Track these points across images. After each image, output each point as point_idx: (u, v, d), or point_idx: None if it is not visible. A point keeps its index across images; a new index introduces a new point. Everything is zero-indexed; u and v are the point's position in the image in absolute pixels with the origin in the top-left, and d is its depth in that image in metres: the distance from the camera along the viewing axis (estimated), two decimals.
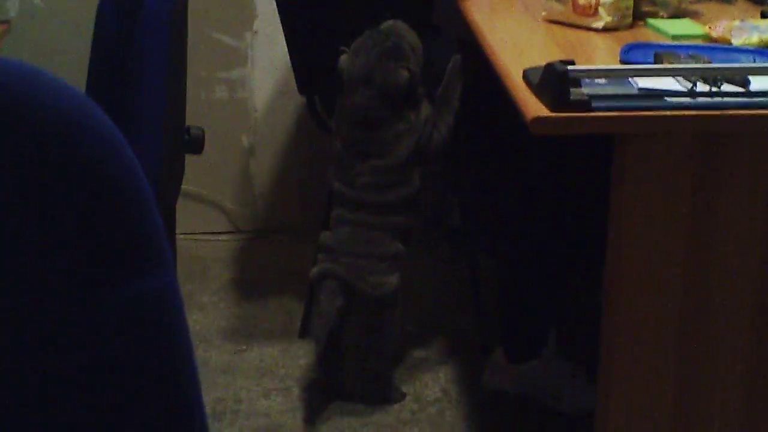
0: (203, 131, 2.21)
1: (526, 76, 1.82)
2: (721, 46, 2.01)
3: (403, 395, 2.48)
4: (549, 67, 1.72)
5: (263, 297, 3.04)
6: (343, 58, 2.39)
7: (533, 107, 1.71)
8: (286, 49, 2.81)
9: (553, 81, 1.70)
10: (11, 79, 0.88)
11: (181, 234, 3.32)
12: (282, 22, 2.75)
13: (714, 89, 1.72)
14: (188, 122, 2.36)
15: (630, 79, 1.78)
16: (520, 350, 2.42)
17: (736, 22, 2.06)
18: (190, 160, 3.17)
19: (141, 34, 1.96)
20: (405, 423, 2.41)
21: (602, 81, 1.79)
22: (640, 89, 1.75)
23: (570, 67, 1.70)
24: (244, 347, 2.76)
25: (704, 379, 1.84)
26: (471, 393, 2.52)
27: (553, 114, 1.68)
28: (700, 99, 1.71)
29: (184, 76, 2.30)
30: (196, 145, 2.24)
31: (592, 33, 2.18)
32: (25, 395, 0.88)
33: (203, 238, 3.42)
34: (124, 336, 0.90)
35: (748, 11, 2.32)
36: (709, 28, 2.09)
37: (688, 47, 1.97)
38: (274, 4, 2.78)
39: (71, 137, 0.89)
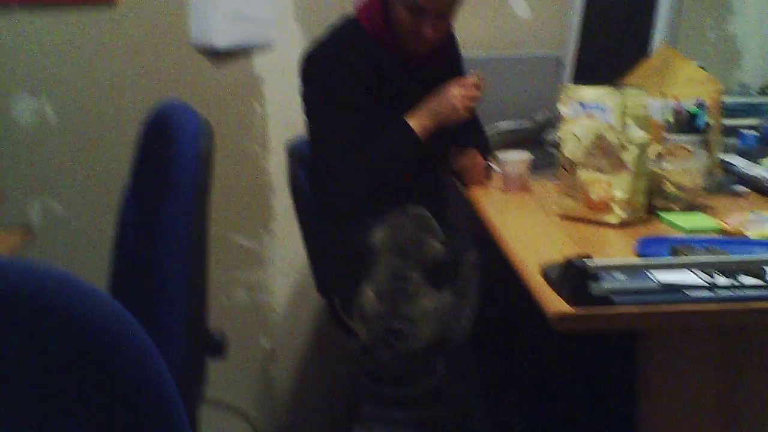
0: (225, 335, 2.22)
1: (546, 272, 1.84)
2: (736, 239, 2.03)
3: None
4: (568, 262, 1.74)
5: None
6: (377, 231, 2.41)
7: (554, 304, 1.72)
8: (304, 250, 2.85)
9: (573, 276, 1.71)
10: (42, 285, 0.89)
11: None
12: (299, 221, 2.78)
13: (734, 282, 1.73)
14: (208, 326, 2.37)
15: (648, 273, 1.80)
16: None
17: (749, 215, 2.09)
18: (209, 365, 3.18)
19: (162, 229, 1.99)
20: None
21: (621, 276, 1.81)
22: (661, 284, 1.76)
23: (588, 262, 1.72)
24: None
25: None
26: None
27: (575, 310, 1.69)
28: (722, 292, 1.72)
29: (207, 274, 2.33)
30: (218, 348, 2.25)
31: (606, 228, 2.21)
32: None
33: None
34: None
35: (758, 204, 2.36)
36: (723, 221, 2.12)
37: (704, 241, 1.99)
38: (291, 204, 2.82)
39: (103, 345, 0.90)
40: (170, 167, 2.07)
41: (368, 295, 2.37)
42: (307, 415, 3.41)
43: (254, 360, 3.41)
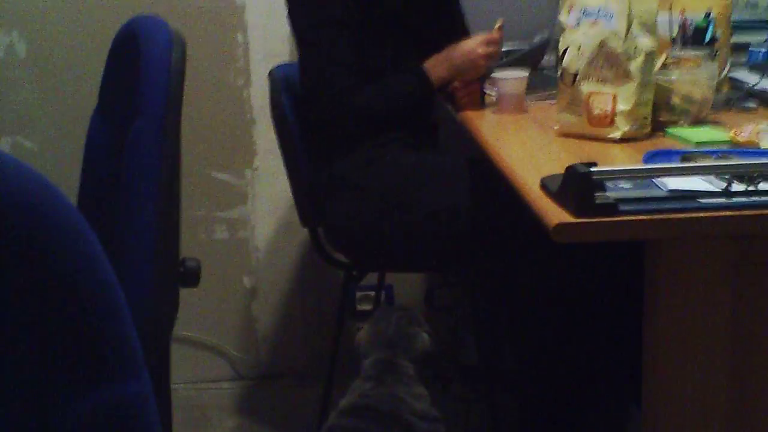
0: (199, 263, 2.08)
1: (544, 184, 1.69)
2: (750, 150, 1.89)
3: None
4: (570, 170, 1.59)
5: None
6: (361, 332, 2.29)
7: (555, 214, 1.57)
8: (287, 186, 2.71)
9: (576, 185, 1.57)
10: None
11: (181, 383, 3.16)
12: (281, 147, 2.65)
13: (751, 188, 1.59)
14: None
15: (657, 181, 1.65)
16: None
17: (763, 125, 1.95)
18: (189, 304, 3.05)
19: (131, 152, 1.85)
20: None
21: (627, 185, 1.66)
22: (670, 191, 1.61)
23: (593, 169, 1.57)
24: None
25: None
26: None
27: (578, 220, 1.55)
28: (737, 199, 1.58)
29: (178, 202, 2.18)
30: (192, 277, 2.10)
31: (609, 144, 2.06)
32: None
33: (204, 386, 3.24)
34: None
35: None
36: (735, 133, 1.97)
37: (716, 151, 1.85)
38: (274, 138, 2.69)
39: (28, 220, 0.76)
40: (139, 82, 1.93)
41: (355, 382, 2.22)
42: (288, 354, 3.29)
43: (235, 298, 3.27)
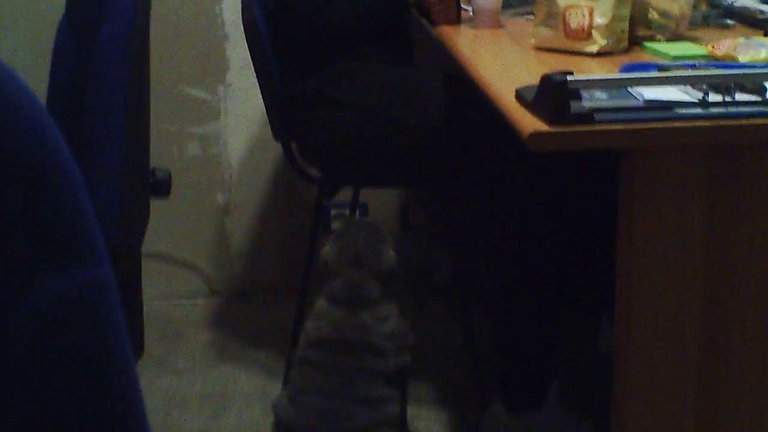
0: (170, 174, 2.06)
1: (520, 94, 1.68)
2: (727, 63, 1.88)
3: None
4: (546, 78, 1.58)
5: (241, 360, 2.85)
6: (327, 247, 2.27)
7: (530, 123, 1.56)
8: (260, 102, 2.68)
9: (551, 93, 1.56)
10: None
11: (156, 299, 3.15)
12: (253, 61, 2.61)
13: (728, 98, 1.58)
14: None
15: (634, 91, 1.64)
16: (519, 400, 2.24)
17: (741, 39, 1.94)
18: (163, 221, 3.04)
19: (98, 59, 1.82)
20: None
21: (604, 96, 1.65)
22: (647, 101, 1.60)
23: (569, 78, 1.56)
24: (222, 411, 2.57)
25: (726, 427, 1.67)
26: None
27: (552, 129, 1.54)
28: (714, 109, 1.57)
29: (147, 112, 2.15)
30: (162, 187, 2.08)
31: (586, 58, 2.05)
32: None
33: (178, 302, 3.24)
34: (42, 342, 0.73)
35: (746, 34, 2.19)
36: (712, 47, 1.96)
37: (693, 64, 1.84)
38: (247, 54, 2.65)
39: None
40: None
41: (321, 304, 2.23)
42: (262, 270, 3.28)
43: (209, 215, 3.25)
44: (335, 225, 3.13)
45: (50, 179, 0.74)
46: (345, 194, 2.97)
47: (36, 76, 2.36)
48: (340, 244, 2.26)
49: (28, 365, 0.73)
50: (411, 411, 2.48)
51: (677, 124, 1.54)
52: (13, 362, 0.72)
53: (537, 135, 1.54)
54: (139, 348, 2.28)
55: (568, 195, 2.26)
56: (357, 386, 2.13)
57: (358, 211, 3.18)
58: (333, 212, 3.21)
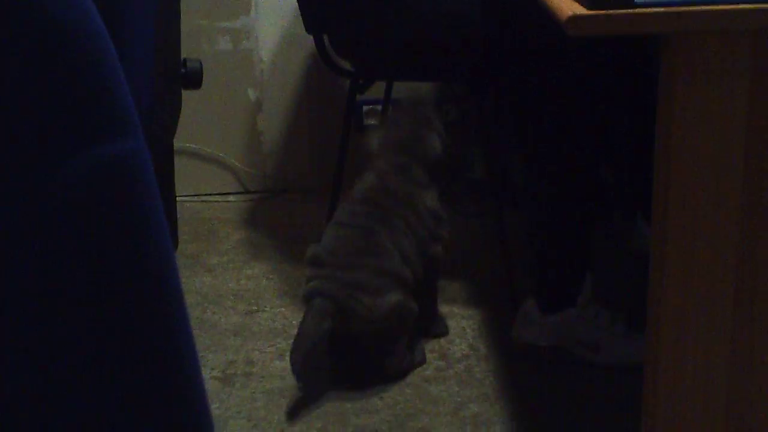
0: (201, 64, 2.02)
1: None
2: None
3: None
4: None
5: (274, 258, 2.85)
6: (375, 132, 2.29)
7: (568, 7, 1.51)
8: None
9: None
10: None
11: (187, 196, 3.15)
12: None
13: None
14: None
15: None
16: (552, 299, 2.21)
17: None
18: (194, 118, 3.01)
19: None
20: (430, 381, 2.22)
21: None
22: None
23: None
24: (255, 308, 2.57)
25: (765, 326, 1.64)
26: (500, 348, 2.32)
27: (591, 12, 1.48)
28: None
29: (177, 3, 2.11)
30: (194, 78, 2.05)
31: None
32: None
33: (210, 199, 3.24)
34: (80, 211, 0.72)
35: None
36: None
37: None
38: None
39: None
40: None
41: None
42: (295, 168, 3.26)
43: (240, 112, 3.23)
44: (368, 122, 3.10)
45: (89, 48, 0.72)
46: (378, 91, 2.93)
47: None
48: (388, 134, 2.25)
49: (68, 234, 0.72)
50: (443, 308, 2.47)
51: (720, 7, 1.48)
52: (54, 231, 0.71)
53: (576, 18, 1.48)
54: (173, 244, 2.28)
55: (608, 93, 2.20)
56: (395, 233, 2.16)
57: (390, 107, 3.14)
58: (365, 108, 3.17)
